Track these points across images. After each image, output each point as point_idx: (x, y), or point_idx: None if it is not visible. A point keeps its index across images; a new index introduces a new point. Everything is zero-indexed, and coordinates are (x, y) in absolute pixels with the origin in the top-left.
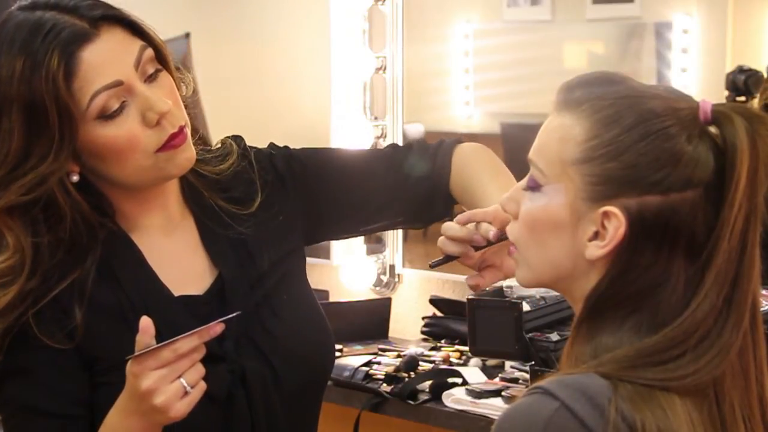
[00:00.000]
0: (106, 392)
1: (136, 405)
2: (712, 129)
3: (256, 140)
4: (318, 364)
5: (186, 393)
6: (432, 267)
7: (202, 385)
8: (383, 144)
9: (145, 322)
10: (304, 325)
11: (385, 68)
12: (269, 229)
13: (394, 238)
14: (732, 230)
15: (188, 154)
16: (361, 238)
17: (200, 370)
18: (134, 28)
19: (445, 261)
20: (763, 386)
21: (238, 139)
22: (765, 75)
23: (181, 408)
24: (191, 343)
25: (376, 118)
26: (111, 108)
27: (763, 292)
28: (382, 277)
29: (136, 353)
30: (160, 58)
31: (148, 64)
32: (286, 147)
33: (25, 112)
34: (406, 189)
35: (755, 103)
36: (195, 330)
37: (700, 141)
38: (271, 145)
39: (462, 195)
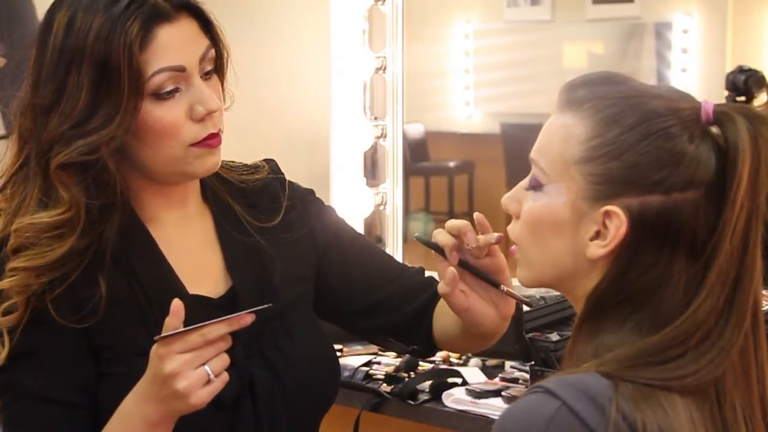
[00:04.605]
0: (111, 383)
1: (157, 390)
2: (714, 129)
3: (257, 139)
4: (325, 393)
5: (209, 381)
6: (415, 238)
7: (225, 377)
8: (383, 144)
9: (177, 305)
10: (317, 353)
11: (385, 68)
12: (284, 247)
13: (394, 238)
14: (734, 230)
15: (217, 158)
16: None
17: (225, 359)
18: (207, 27)
19: (428, 244)
20: (764, 386)
21: (270, 161)
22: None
23: (202, 396)
24: (220, 330)
25: (376, 118)
26: (164, 88)
27: (765, 292)
28: None
29: (164, 335)
30: (219, 63)
31: (207, 62)
32: (327, 206)
33: (97, 71)
34: (408, 301)
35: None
36: (225, 317)
37: (701, 141)
38: (311, 191)
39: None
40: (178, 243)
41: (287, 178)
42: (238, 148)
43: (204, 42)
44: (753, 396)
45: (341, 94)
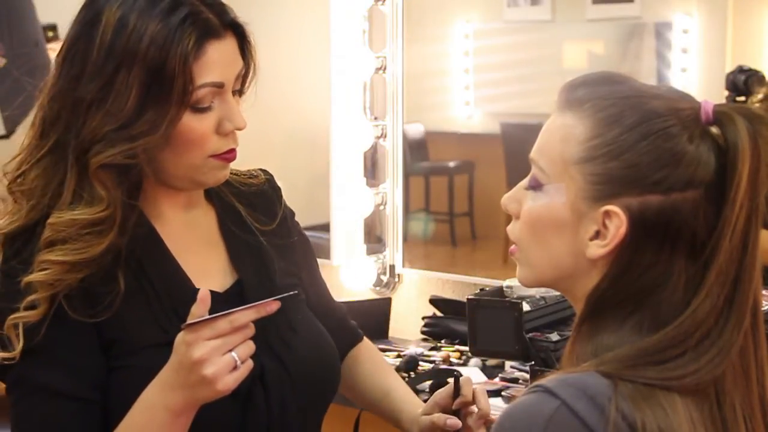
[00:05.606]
0: (120, 376)
1: (183, 377)
2: (714, 129)
3: (257, 139)
4: (327, 382)
5: (235, 367)
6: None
7: (250, 363)
8: (383, 144)
9: (204, 293)
10: (318, 344)
11: (385, 68)
12: (280, 249)
13: (394, 238)
14: (733, 230)
15: (227, 172)
16: (362, 238)
17: (251, 346)
18: (244, 47)
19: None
20: (764, 386)
21: (266, 172)
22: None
23: (228, 382)
24: (247, 316)
25: (376, 118)
26: (204, 103)
27: (765, 292)
28: (382, 277)
29: (191, 321)
30: (243, 83)
31: (238, 81)
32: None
33: (149, 75)
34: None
35: (754, 100)
36: (252, 304)
37: (701, 141)
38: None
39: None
40: (183, 240)
41: (286, 178)
42: (239, 148)
43: (240, 62)
44: (753, 396)
45: (341, 94)
